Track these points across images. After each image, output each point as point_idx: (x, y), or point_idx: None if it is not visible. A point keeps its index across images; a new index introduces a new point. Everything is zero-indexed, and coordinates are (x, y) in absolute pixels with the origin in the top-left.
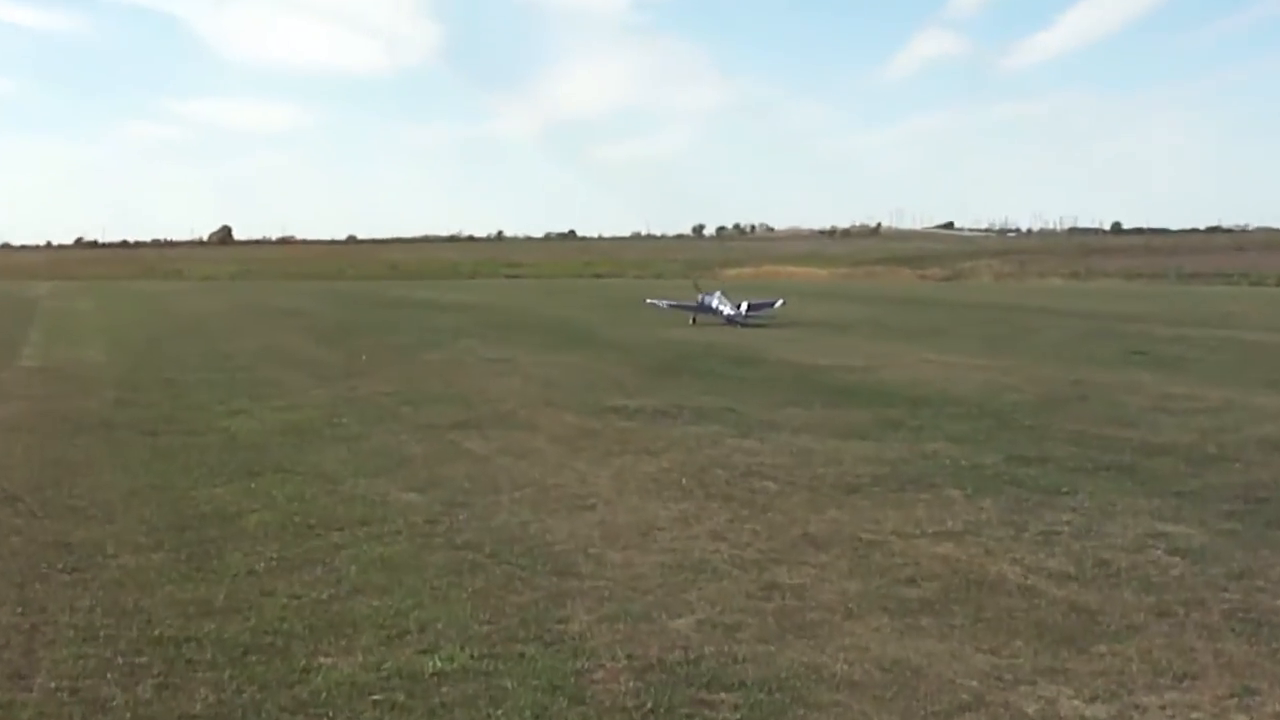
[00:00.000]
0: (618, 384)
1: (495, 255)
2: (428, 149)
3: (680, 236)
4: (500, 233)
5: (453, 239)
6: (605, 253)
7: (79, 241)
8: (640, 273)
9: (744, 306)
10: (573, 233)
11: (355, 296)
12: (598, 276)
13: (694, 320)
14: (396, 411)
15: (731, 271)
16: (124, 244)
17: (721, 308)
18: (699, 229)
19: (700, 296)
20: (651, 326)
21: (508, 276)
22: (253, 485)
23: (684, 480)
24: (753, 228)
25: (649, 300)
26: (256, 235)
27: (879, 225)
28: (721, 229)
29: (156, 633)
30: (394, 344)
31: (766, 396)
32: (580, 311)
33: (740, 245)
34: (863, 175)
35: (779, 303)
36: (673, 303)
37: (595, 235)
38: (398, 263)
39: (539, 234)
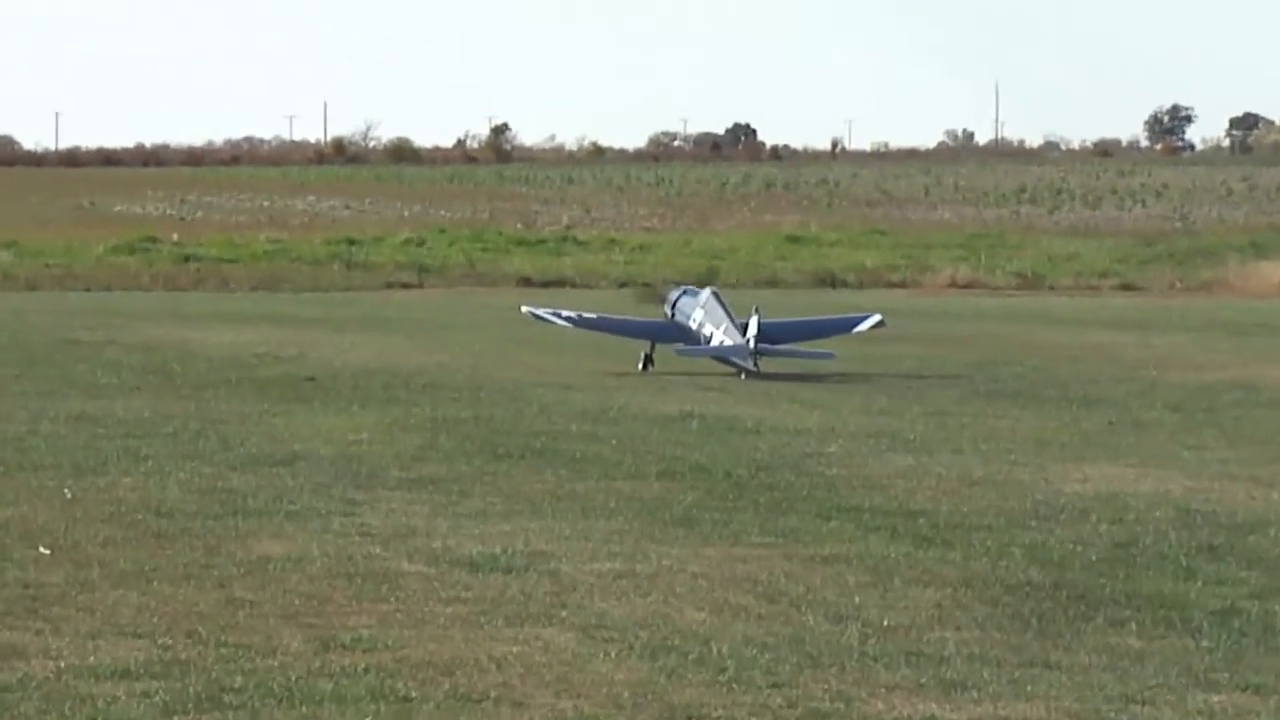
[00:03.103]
0: None
1: (489, 213)
2: None
3: (1107, 150)
4: (501, 128)
5: (342, 155)
6: (850, 199)
7: None
8: (985, 270)
9: (751, 332)
10: (746, 135)
11: (11, 336)
12: (830, 285)
13: (646, 358)
14: None
15: None
16: None
17: (704, 330)
18: (1168, 126)
19: (671, 296)
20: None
21: (528, 284)
22: None
23: None
24: None
25: (526, 308)
26: None
27: None
28: (1246, 123)
29: None
30: (139, 501)
31: None
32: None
33: None
34: None
35: (872, 321)
36: (573, 315)
37: (818, 145)
38: (178, 229)
39: (629, 141)
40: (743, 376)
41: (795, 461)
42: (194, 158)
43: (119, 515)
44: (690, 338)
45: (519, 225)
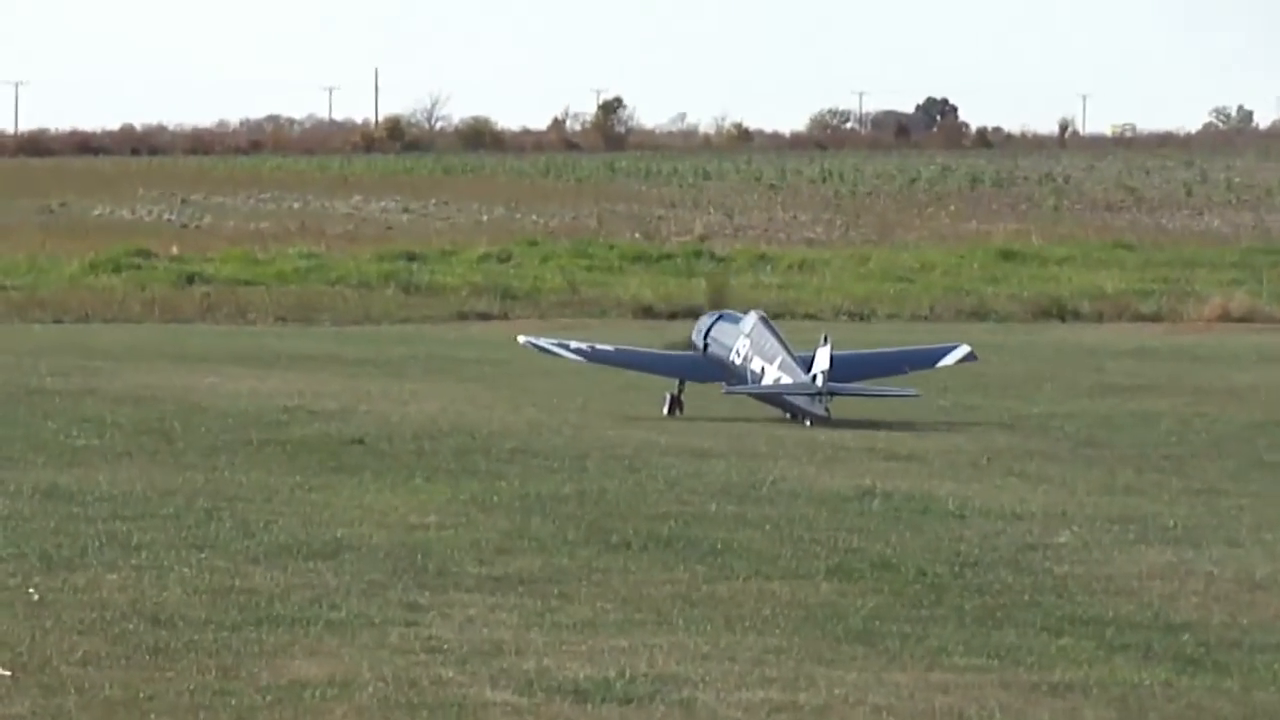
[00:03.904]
0: None
1: (596, 219)
2: None
3: None
4: (613, 104)
5: (399, 140)
6: (1084, 201)
7: None
8: (1268, 297)
9: (820, 366)
10: (942, 114)
11: None
12: (1058, 317)
13: (674, 400)
14: None
15: None
16: None
17: (752, 365)
18: None
19: (703, 323)
20: None
21: (649, 314)
22: None
23: None
24: None
25: (524, 338)
26: None
27: None
28: None
29: None
30: (129, 605)
31: None
32: None
33: None
34: None
35: (960, 353)
36: (585, 348)
37: (1040, 128)
38: (178, 240)
39: (784, 122)
40: (808, 424)
41: (1013, 556)
42: (200, 144)
43: (103, 624)
44: (732, 374)
45: (636, 235)
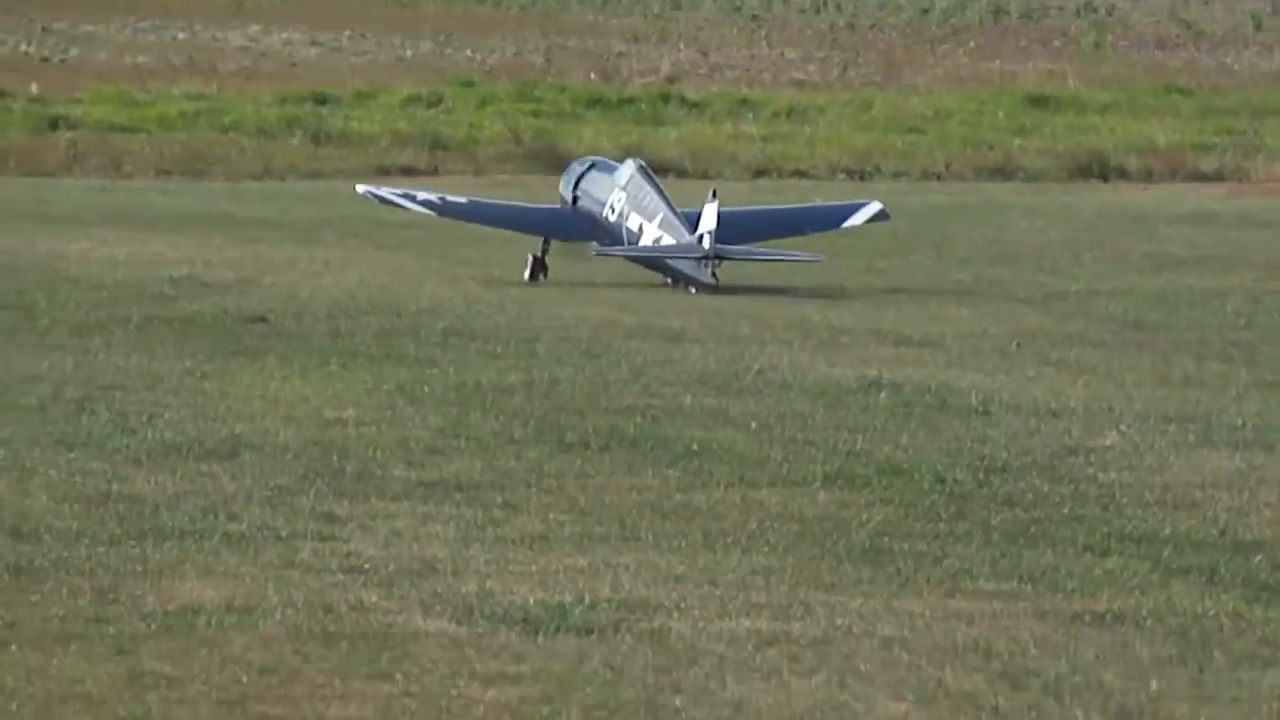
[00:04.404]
0: None
1: (544, 55)
2: None
3: None
4: None
5: None
6: (1130, 36)
7: None
8: None
9: (707, 226)
10: None
11: None
12: (1100, 176)
13: (537, 262)
14: None
15: None
16: None
17: (628, 222)
18: None
19: (573, 171)
20: None
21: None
22: None
23: None
24: None
25: (362, 188)
26: None
27: None
28: None
29: None
30: None
31: None
32: None
33: None
34: None
35: (869, 211)
36: (434, 199)
37: None
38: (39, 77)
39: None
40: (693, 290)
41: (1049, 461)
42: None
43: None
44: (604, 232)
45: (592, 76)
